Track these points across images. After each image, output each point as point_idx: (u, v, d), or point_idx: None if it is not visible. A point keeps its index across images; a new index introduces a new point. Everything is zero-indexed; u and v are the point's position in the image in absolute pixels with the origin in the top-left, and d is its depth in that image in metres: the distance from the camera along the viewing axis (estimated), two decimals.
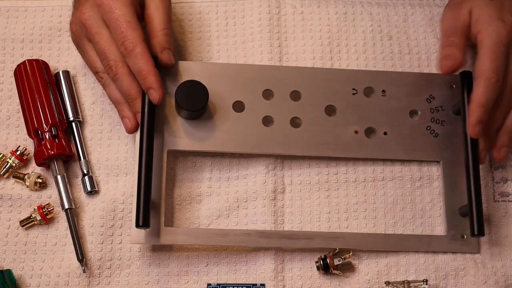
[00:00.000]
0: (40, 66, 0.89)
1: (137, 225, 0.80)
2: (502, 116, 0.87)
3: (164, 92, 0.83)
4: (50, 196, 0.87)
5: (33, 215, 0.85)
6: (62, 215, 0.86)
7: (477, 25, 0.86)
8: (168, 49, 0.85)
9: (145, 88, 0.83)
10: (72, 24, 0.87)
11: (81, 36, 0.86)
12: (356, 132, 0.88)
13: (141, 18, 0.87)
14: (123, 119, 0.86)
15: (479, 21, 0.86)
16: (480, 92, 0.83)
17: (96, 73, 0.86)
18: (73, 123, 0.89)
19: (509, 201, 0.89)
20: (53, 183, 0.87)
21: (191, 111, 0.84)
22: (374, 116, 0.89)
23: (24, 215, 0.86)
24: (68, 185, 0.86)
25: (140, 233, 0.83)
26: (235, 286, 0.85)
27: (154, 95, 0.82)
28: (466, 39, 0.87)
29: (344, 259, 0.84)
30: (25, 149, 0.88)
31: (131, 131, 0.85)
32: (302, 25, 0.95)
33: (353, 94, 0.89)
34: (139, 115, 0.84)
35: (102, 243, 0.85)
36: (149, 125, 0.83)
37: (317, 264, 0.85)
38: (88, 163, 0.88)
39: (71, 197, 0.86)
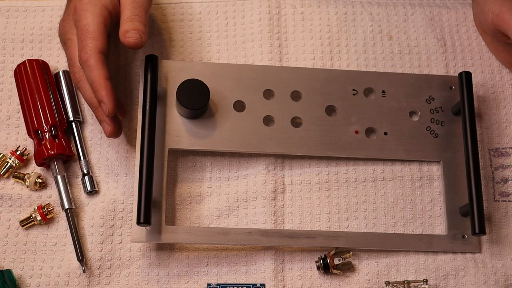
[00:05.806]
0: (40, 66, 0.89)
1: (138, 222, 0.79)
2: None
3: (116, 104, 0.82)
4: (50, 196, 0.87)
5: (33, 215, 0.85)
6: (62, 215, 0.86)
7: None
8: (132, 30, 0.82)
9: (98, 100, 0.82)
10: (59, 26, 0.89)
11: (61, 40, 0.89)
12: (356, 132, 0.88)
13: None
14: (101, 123, 0.85)
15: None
16: None
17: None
18: (73, 123, 0.89)
19: (509, 201, 0.89)
20: (53, 183, 0.87)
21: (192, 110, 0.84)
22: (374, 116, 0.89)
23: (24, 215, 0.86)
24: (68, 185, 0.86)
25: (141, 232, 0.82)
26: (235, 286, 0.84)
27: (104, 108, 0.81)
28: None
29: (344, 259, 0.84)
30: (25, 149, 0.88)
31: (111, 134, 0.84)
32: (302, 25, 0.95)
33: (353, 94, 0.90)
34: (103, 124, 0.84)
35: (102, 243, 0.85)
36: (151, 123, 0.83)
37: (317, 264, 0.85)
38: (88, 163, 0.88)
39: (71, 197, 0.85)
